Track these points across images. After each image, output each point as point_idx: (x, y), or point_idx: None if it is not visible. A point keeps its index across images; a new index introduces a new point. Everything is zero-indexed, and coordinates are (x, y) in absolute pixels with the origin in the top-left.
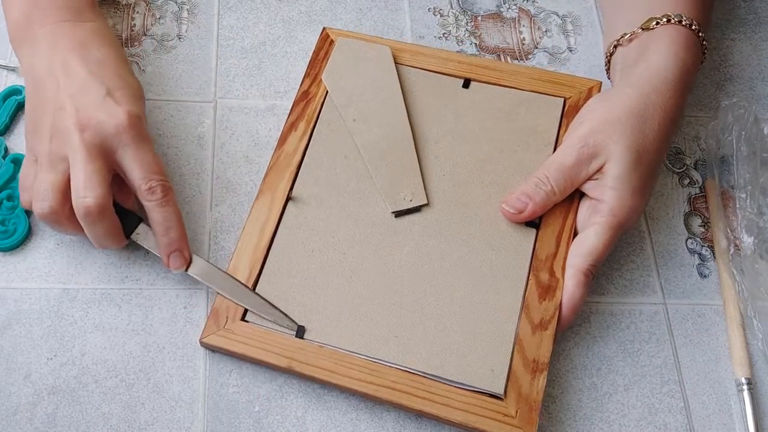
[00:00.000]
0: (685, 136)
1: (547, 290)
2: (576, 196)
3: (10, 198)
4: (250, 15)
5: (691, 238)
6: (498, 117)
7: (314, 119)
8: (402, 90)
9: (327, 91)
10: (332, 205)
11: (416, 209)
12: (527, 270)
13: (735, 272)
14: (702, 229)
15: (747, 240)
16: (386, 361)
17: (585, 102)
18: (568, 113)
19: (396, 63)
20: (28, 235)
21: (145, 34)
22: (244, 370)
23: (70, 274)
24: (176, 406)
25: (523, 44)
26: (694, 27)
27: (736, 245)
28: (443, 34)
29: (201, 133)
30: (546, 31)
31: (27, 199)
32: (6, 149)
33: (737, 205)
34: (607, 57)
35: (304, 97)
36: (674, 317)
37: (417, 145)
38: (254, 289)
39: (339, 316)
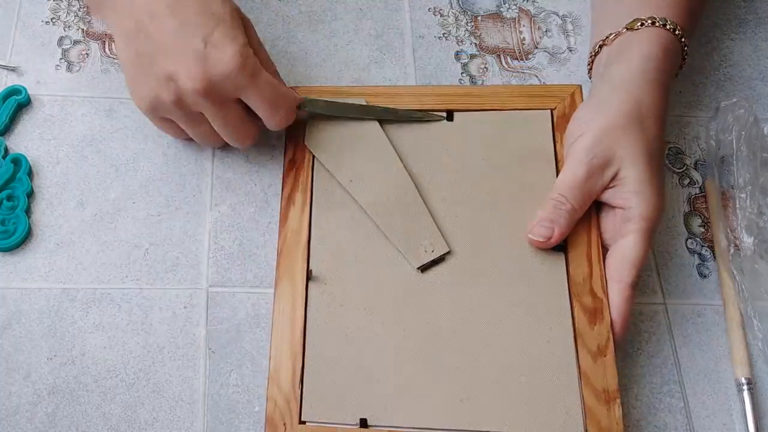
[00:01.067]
0: (685, 136)
1: (595, 314)
2: (593, 209)
3: (10, 198)
4: (250, 15)
5: (691, 238)
6: (490, 143)
7: (309, 188)
8: (388, 137)
9: (314, 155)
10: (354, 275)
11: (440, 259)
12: (568, 297)
13: (735, 272)
14: (702, 229)
15: (747, 240)
16: (458, 430)
17: (572, 110)
18: (558, 124)
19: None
20: (27, 235)
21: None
22: (244, 369)
23: (70, 274)
24: (176, 406)
25: (523, 44)
26: (677, 32)
27: (736, 245)
28: (443, 34)
29: None
30: (546, 31)
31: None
32: (6, 149)
33: (737, 205)
34: (591, 57)
35: (291, 166)
36: (674, 317)
37: (421, 192)
38: (302, 386)
39: (396, 394)
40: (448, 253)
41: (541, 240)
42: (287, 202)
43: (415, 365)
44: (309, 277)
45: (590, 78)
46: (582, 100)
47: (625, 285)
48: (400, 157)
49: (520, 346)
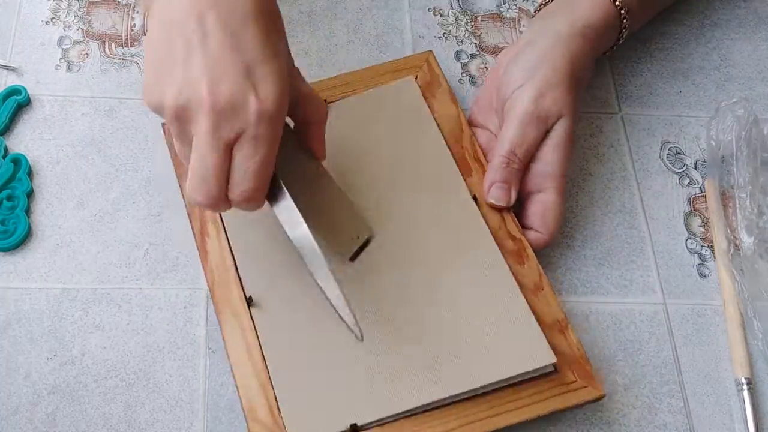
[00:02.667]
0: (685, 136)
1: (519, 254)
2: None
3: (10, 198)
4: None
5: (691, 238)
6: (370, 122)
7: (219, 216)
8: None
9: None
10: (291, 288)
11: (366, 243)
12: (494, 242)
13: (735, 272)
14: (702, 229)
15: (747, 240)
16: (438, 400)
17: (432, 75)
18: (425, 89)
19: None
20: (27, 235)
21: (145, 34)
22: None
23: (70, 273)
24: (176, 406)
25: None
26: (621, 9)
27: (736, 245)
28: (443, 34)
29: None
30: None
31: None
32: (6, 149)
33: (737, 205)
34: (541, 4)
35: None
36: (674, 317)
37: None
38: (279, 411)
39: (372, 387)
40: (372, 236)
41: (502, 204)
42: (201, 236)
43: (380, 353)
44: (250, 302)
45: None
46: (436, 64)
47: (549, 237)
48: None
49: (469, 301)
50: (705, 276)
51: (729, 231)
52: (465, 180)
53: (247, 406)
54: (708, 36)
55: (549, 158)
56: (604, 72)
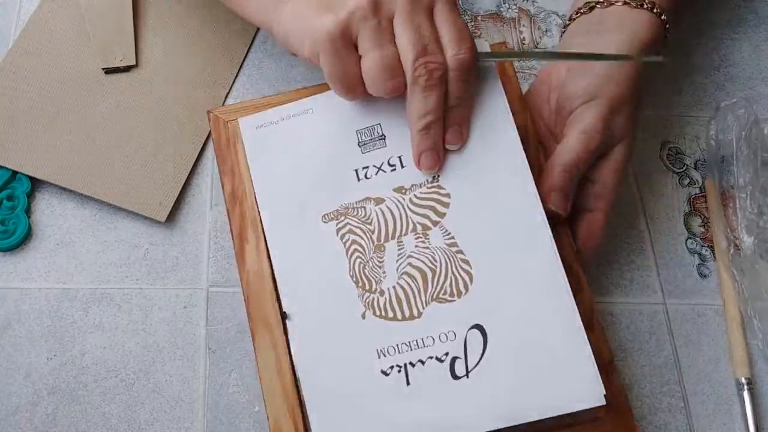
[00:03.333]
0: (685, 136)
1: (574, 286)
2: None
3: (10, 198)
4: None
5: (691, 238)
6: None
7: (258, 221)
8: None
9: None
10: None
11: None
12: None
13: (735, 272)
14: (702, 229)
15: (747, 240)
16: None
17: (504, 74)
18: None
19: None
20: (27, 235)
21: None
22: (244, 369)
23: (69, 273)
24: (176, 406)
25: (523, 44)
26: (666, 26)
27: (736, 245)
28: None
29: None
30: (546, 30)
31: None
32: None
33: (737, 205)
34: (579, 10)
35: (234, 200)
36: (674, 317)
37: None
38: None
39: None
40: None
41: (561, 212)
42: (239, 241)
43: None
44: (284, 317)
45: (569, 21)
46: (511, 63)
47: (588, 258)
48: None
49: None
50: (705, 276)
51: (729, 231)
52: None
53: (274, 427)
54: (708, 36)
55: (606, 180)
56: None
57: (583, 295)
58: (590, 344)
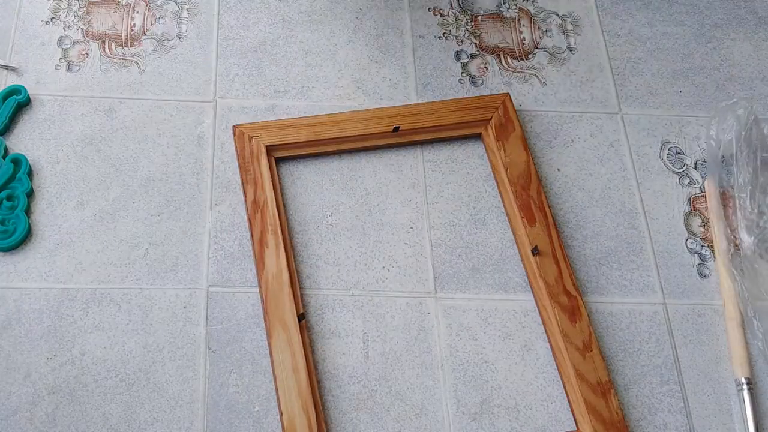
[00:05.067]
0: (685, 136)
1: (573, 312)
2: (549, 213)
3: (9, 198)
4: (250, 15)
5: (691, 238)
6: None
7: (278, 227)
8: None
9: (280, 192)
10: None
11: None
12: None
13: (735, 272)
14: (702, 229)
15: (747, 240)
16: None
17: (508, 118)
18: (500, 130)
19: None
20: (27, 235)
21: (145, 34)
22: (244, 370)
23: (69, 273)
24: (176, 406)
25: (523, 44)
26: None
27: (736, 245)
28: (443, 33)
29: (201, 132)
30: (546, 30)
31: None
32: (6, 149)
33: (737, 205)
34: None
35: (255, 208)
36: (674, 317)
37: None
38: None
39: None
40: None
41: None
42: (260, 245)
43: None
44: (302, 318)
45: None
46: (512, 107)
47: None
48: None
49: None
50: (705, 276)
51: (729, 231)
52: (527, 229)
53: (288, 423)
54: (708, 36)
55: None
56: (604, 71)
57: (582, 321)
58: (582, 366)
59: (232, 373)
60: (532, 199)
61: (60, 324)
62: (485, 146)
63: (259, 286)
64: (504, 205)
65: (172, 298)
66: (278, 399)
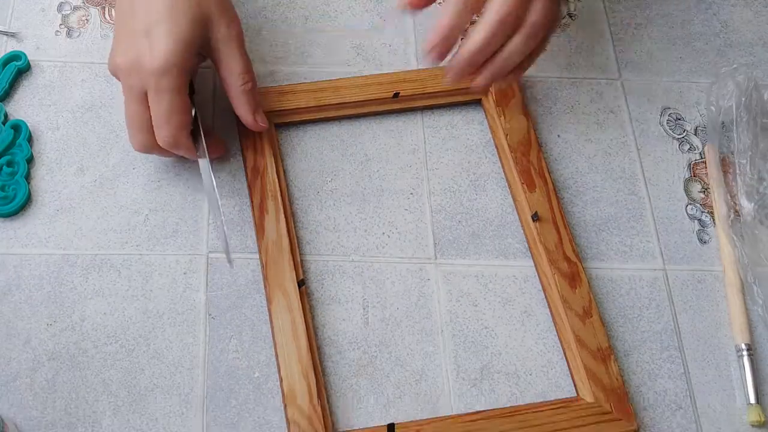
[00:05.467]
0: (685, 102)
1: (573, 278)
2: (549, 181)
3: (9, 164)
4: None
5: (691, 204)
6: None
7: (278, 193)
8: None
9: (280, 158)
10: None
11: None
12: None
13: (735, 238)
14: (702, 195)
15: (747, 206)
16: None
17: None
18: (500, 97)
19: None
20: (27, 200)
21: None
22: (244, 336)
23: (69, 239)
24: (176, 372)
25: None
26: None
27: (736, 211)
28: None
29: (199, 101)
30: None
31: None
32: (6, 115)
33: (737, 171)
34: None
35: (255, 174)
36: (674, 283)
37: None
38: (318, 399)
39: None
40: None
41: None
42: (260, 211)
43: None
44: (302, 284)
45: None
46: None
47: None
48: None
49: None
50: (705, 242)
51: (729, 197)
52: (527, 195)
53: (288, 389)
54: (708, 2)
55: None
56: (604, 38)
57: (582, 287)
58: (582, 332)
59: (232, 339)
60: (532, 165)
61: (60, 290)
62: (485, 112)
63: (259, 253)
64: (504, 171)
65: (172, 264)
66: (278, 365)
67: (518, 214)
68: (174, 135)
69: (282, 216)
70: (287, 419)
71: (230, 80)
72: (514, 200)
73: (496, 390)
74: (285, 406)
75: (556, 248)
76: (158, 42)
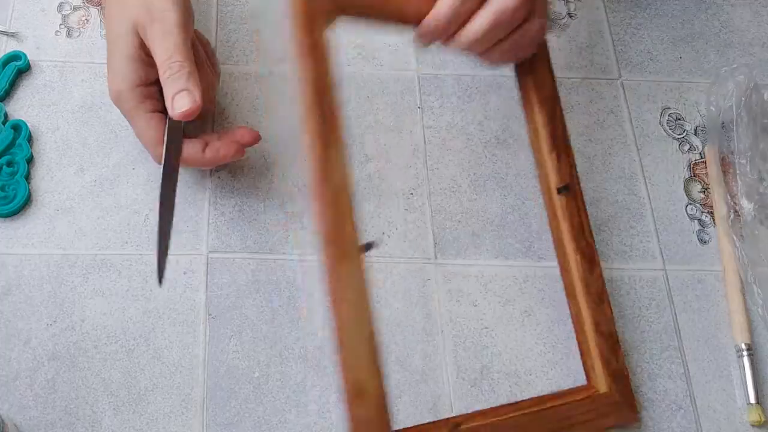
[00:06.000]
0: (685, 102)
1: (592, 259)
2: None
3: (10, 164)
4: None
5: (691, 204)
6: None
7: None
8: None
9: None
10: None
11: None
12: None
13: (735, 238)
14: (702, 195)
15: (747, 206)
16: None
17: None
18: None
19: None
20: (27, 200)
21: None
22: (244, 335)
23: (69, 239)
24: (176, 372)
25: None
26: None
27: (736, 211)
28: None
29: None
30: None
31: None
32: (6, 115)
33: (737, 171)
34: None
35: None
36: (674, 283)
37: None
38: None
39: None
40: None
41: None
42: (324, 147)
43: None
44: (368, 248)
45: None
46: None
47: None
48: None
49: None
50: (705, 242)
51: (729, 197)
52: (555, 164)
53: (354, 380)
54: (708, 2)
55: None
56: (604, 38)
57: (596, 271)
58: (596, 316)
59: (232, 338)
60: (558, 131)
61: (60, 290)
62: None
63: (317, 208)
64: (530, 135)
65: (172, 264)
66: (338, 353)
67: (540, 184)
68: (151, 151)
69: (346, 155)
70: (351, 415)
71: (160, 74)
72: (539, 167)
73: (497, 390)
74: (350, 405)
75: (578, 226)
76: (108, 71)
